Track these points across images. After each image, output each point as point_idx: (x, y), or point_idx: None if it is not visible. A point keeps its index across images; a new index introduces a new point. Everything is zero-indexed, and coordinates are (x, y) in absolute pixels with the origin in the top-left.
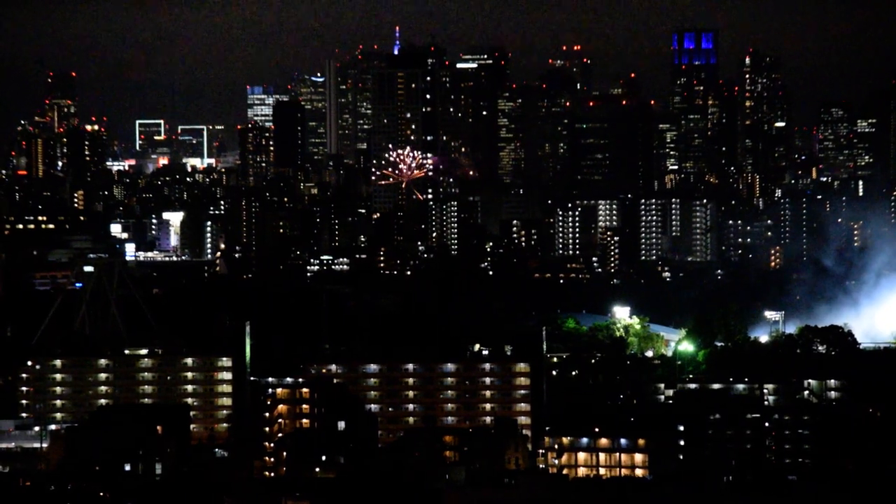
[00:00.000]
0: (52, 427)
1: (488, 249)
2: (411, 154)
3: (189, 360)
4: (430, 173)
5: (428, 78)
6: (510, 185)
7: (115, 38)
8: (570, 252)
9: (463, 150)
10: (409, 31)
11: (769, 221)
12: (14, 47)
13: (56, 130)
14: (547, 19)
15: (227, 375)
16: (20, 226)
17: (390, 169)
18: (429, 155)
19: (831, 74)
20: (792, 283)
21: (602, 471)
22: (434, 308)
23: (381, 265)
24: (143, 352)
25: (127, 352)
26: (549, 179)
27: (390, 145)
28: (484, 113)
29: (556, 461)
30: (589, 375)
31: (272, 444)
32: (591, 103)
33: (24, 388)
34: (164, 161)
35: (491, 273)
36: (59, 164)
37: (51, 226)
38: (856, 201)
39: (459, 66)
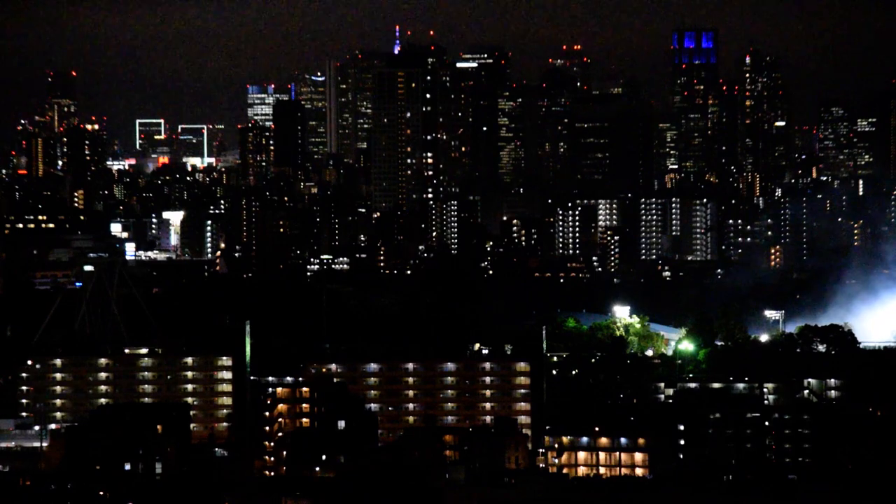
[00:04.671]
0: (52, 427)
1: (488, 249)
2: None
3: (189, 360)
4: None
5: (428, 77)
6: (510, 184)
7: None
8: (570, 251)
9: (463, 149)
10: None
11: (769, 221)
12: (14, 47)
13: (56, 130)
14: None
15: (227, 375)
16: (20, 225)
17: None
18: (429, 154)
19: (831, 74)
20: (792, 282)
21: (602, 470)
22: (434, 308)
23: (382, 264)
24: (143, 351)
25: (127, 351)
26: (549, 179)
27: None
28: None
29: (556, 460)
30: (589, 375)
31: (272, 444)
32: (591, 103)
33: (24, 388)
34: (164, 160)
35: (491, 273)
36: (60, 163)
37: (51, 225)
38: (856, 201)
39: (459, 65)
